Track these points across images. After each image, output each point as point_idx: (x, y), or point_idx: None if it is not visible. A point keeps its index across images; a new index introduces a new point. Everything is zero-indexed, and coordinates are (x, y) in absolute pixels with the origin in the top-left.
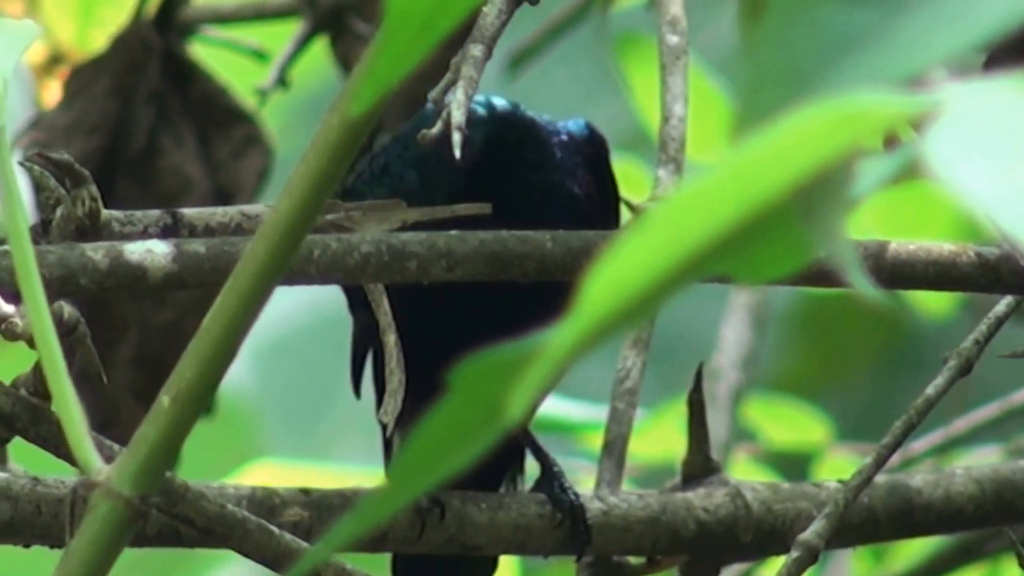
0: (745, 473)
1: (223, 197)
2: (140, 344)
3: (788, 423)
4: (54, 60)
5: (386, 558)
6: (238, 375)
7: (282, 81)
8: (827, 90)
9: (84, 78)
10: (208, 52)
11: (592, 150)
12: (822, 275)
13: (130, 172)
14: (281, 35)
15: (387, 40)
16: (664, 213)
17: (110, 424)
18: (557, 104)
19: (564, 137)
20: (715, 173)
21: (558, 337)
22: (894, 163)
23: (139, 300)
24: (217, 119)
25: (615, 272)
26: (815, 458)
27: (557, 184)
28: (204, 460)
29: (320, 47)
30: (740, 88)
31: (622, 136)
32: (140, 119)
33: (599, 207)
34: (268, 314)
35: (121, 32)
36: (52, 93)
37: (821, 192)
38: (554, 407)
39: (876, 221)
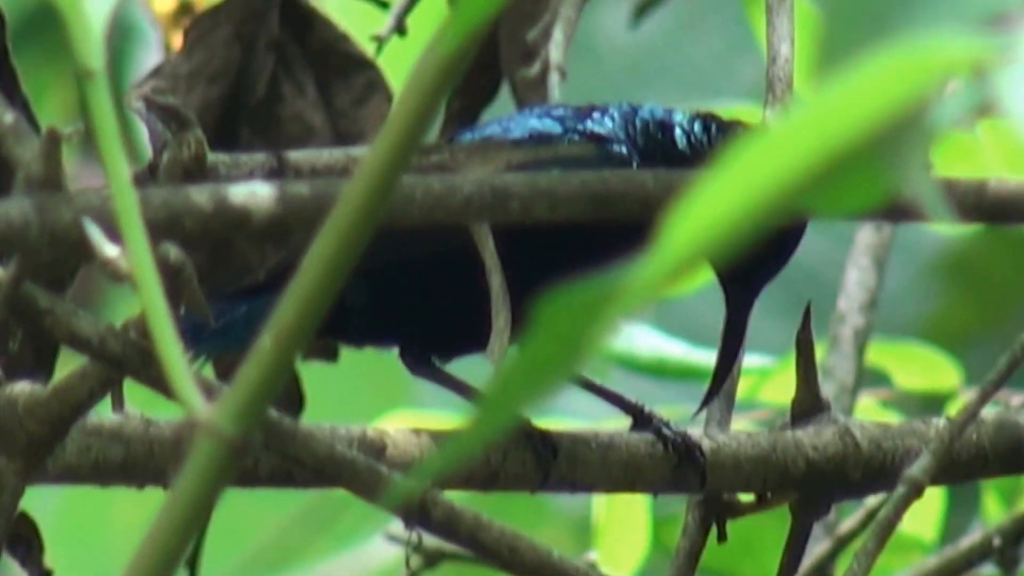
0: (873, 417)
1: (346, 144)
2: None
3: (918, 367)
4: (183, 10)
5: (501, 499)
6: None
7: (399, 29)
8: (904, 30)
9: (204, 27)
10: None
11: None
12: (905, 209)
13: (252, 121)
14: None
15: None
16: (747, 154)
17: (233, 369)
18: (711, 56)
19: None
20: (796, 117)
21: (642, 272)
22: (970, 99)
23: (262, 246)
24: (337, 66)
25: (699, 209)
26: (948, 402)
27: None
28: (357, 408)
29: None
30: (819, 28)
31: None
32: (261, 67)
33: None
34: None
35: None
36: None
37: (900, 132)
38: (677, 351)
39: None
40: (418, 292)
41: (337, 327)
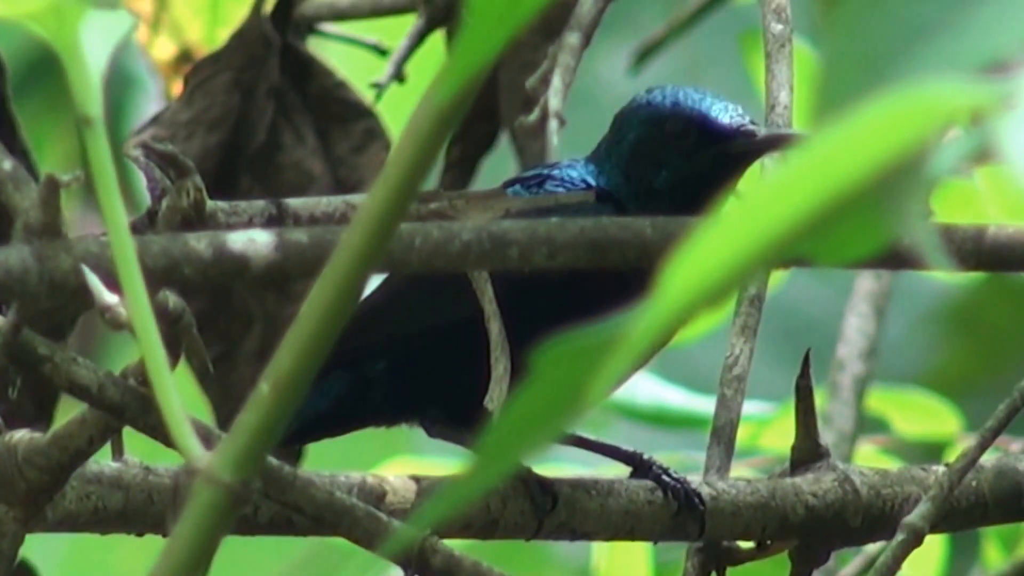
0: (872, 464)
1: (345, 191)
2: (265, 338)
3: (917, 414)
4: (184, 58)
5: (501, 546)
6: None
7: (398, 76)
8: (904, 76)
9: (204, 74)
10: (324, 47)
11: None
12: (904, 256)
13: (252, 168)
14: (396, 30)
15: (469, 27)
16: (746, 201)
17: (235, 417)
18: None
19: None
20: (795, 163)
21: (640, 322)
22: (969, 146)
23: (263, 294)
24: (337, 114)
25: (699, 257)
26: (947, 449)
27: None
28: (357, 455)
29: (437, 41)
30: (818, 74)
31: None
32: (260, 115)
33: None
34: None
35: (240, 28)
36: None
37: (899, 178)
38: (677, 399)
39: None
40: (436, 357)
41: (359, 408)
